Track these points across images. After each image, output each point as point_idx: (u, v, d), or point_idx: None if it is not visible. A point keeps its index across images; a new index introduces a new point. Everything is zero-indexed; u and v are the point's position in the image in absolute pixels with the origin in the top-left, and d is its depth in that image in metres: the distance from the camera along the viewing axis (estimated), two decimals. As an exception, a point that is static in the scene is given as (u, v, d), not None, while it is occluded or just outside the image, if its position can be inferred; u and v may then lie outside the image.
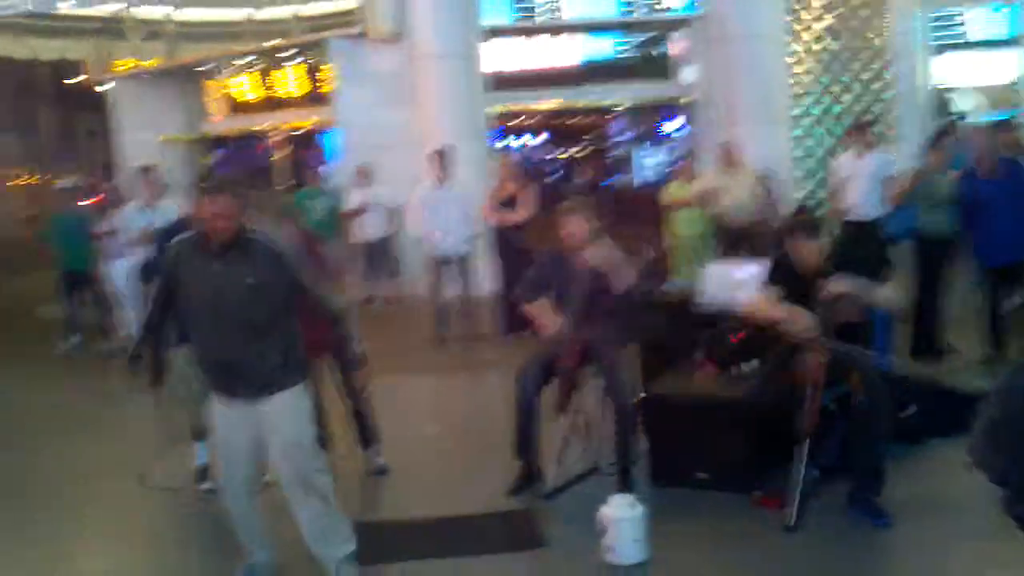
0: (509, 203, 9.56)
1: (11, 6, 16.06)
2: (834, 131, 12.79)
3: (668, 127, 16.68)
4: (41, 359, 10.34)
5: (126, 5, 15.51)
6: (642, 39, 14.99)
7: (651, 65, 14.90)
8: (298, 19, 13.29)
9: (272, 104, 15.91)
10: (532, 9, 14.37)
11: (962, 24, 14.03)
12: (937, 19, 13.73)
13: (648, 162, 17.97)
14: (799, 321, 4.99)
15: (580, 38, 14.84)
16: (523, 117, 16.88)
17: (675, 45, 14.24)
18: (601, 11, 14.54)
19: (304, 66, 15.49)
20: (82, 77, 21.37)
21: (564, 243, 5.50)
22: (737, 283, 6.10)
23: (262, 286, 4.09)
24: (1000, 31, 13.88)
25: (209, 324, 4.13)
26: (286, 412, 4.20)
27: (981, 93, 13.99)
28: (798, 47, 12.89)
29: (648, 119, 17.35)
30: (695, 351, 5.90)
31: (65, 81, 26.36)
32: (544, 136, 20.66)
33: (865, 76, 12.88)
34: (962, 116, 13.63)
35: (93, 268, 10.29)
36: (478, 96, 12.89)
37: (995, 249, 7.43)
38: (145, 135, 15.96)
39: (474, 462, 6.11)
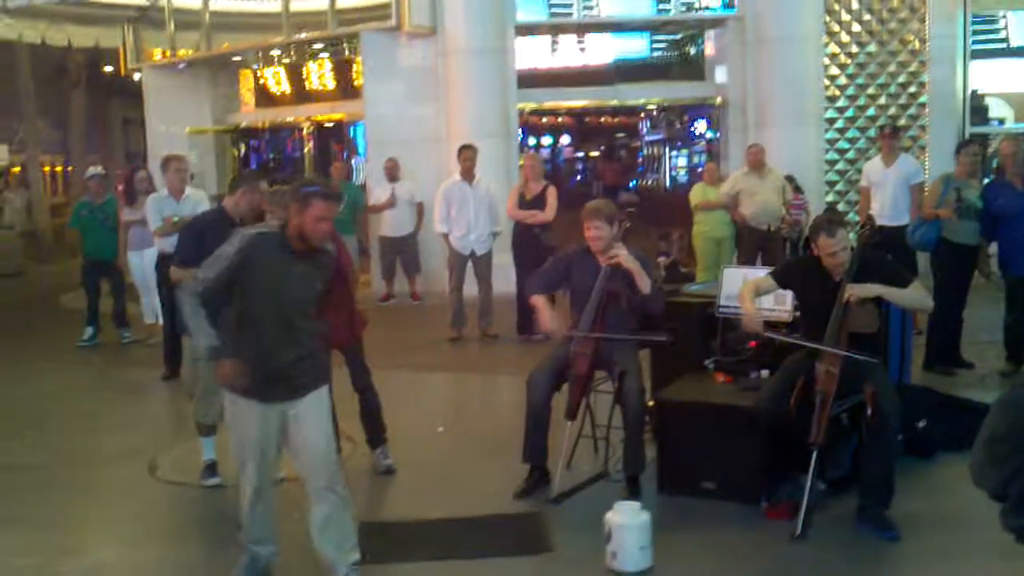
0: (533, 203, 9.47)
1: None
2: (867, 134, 12.64)
3: (699, 128, 16.56)
4: (61, 347, 10.37)
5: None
6: (676, 38, 14.91)
7: (684, 65, 14.82)
8: (333, 12, 13.27)
9: (302, 96, 15.94)
10: (566, 6, 14.33)
11: (1004, 29, 13.80)
12: (978, 23, 13.45)
13: (678, 163, 17.90)
14: (748, 320, 5.08)
15: (612, 37, 14.78)
16: (551, 116, 16.81)
17: (709, 45, 14.12)
18: (636, 9, 14.46)
19: (335, 59, 15.55)
20: (115, 66, 21.54)
21: (588, 243, 5.47)
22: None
23: (323, 291, 4.20)
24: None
25: (271, 322, 4.08)
26: (317, 413, 4.19)
27: (1018, 101, 13.74)
28: (835, 48, 12.74)
29: (679, 119, 17.24)
30: (708, 357, 5.82)
31: (104, 69, 26.62)
32: (572, 135, 20.62)
33: (901, 79, 12.71)
34: (1000, 123, 13.44)
35: (117, 257, 10.31)
36: (509, 93, 12.82)
37: (1020, 257, 7.35)
38: (174, 125, 16.04)
39: (482, 463, 6.06)
